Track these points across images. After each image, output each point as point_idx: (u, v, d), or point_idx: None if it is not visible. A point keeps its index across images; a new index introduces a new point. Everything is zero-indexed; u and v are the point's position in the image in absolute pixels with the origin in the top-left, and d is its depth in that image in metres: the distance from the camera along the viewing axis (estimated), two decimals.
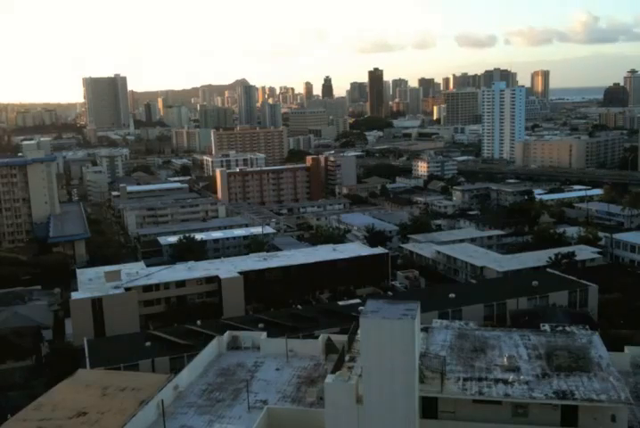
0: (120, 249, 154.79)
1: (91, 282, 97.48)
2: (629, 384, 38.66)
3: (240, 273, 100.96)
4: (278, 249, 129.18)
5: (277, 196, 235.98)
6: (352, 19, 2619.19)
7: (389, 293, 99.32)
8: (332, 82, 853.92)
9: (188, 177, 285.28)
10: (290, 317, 79.30)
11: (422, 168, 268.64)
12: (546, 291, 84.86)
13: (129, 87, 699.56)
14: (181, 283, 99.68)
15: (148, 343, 69.60)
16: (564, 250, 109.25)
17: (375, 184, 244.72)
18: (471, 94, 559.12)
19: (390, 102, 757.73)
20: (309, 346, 48.69)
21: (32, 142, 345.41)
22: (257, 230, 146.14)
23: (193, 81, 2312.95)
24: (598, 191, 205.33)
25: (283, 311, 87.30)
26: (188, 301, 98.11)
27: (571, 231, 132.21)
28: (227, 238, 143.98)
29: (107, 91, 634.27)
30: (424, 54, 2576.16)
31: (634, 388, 39.33)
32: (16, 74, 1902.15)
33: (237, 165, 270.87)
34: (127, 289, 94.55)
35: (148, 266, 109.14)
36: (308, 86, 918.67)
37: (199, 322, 79.21)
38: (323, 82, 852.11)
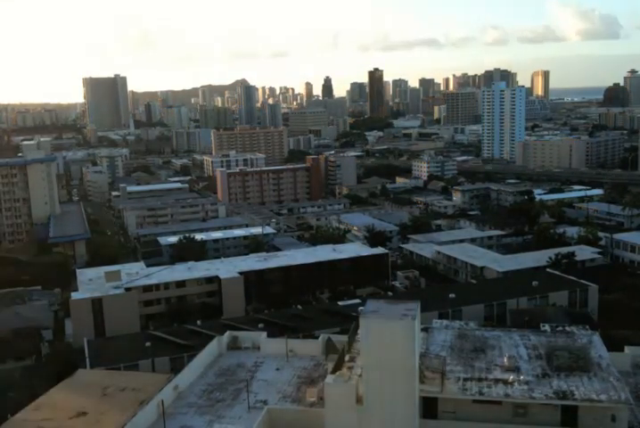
0: (120, 249, 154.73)
1: (91, 282, 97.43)
2: (629, 384, 38.63)
3: (240, 273, 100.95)
4: (278, 249, 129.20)
5: (277, 196, 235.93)
6: (352, 19, 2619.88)
7: (390, 293, 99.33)
8: (332, 82, 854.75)
9: (188, 178, 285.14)
10: (290, 317, 79.30)
11: (421, 168, 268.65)
12: (546, 291, 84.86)
13: (129, 87, 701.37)
14: (181, 284, 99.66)
15: (148, 343, 69.51)
16: (564, 250, 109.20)
17: (375, 184, 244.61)
18: (471, 95, 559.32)
19: (390, 103, 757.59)
20: (309, 346, 48.65)
21: (32, 142, 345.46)
22: (257, 230, 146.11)
23: (193, 81, 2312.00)
24: (598, 191, 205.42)
25: (283, 311, 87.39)
26: (188, 301, 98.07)
27: (571, 231, 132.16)
28: (227, 238, 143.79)
29: (107, 91, 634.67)
30: (424, 54, 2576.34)
31: (634, 388, 39.31)
32: (16, 74, 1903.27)
33: (237, 165, 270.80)
34: (127, 289, 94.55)
35: (148, 266, 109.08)
36: (308, 86, 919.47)
37: (199, 322, 79.31)
38: (323, 82, 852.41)
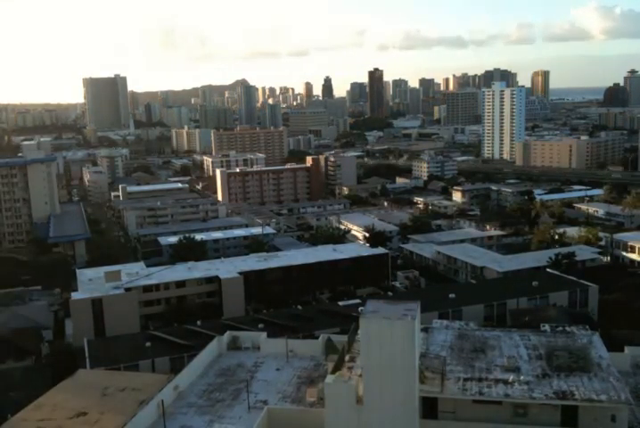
0: (120, 249, 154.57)
1: (91, 282, 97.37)
2: (629, 384, 38.67)
3: (240, 273, 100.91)
4: (278, 249, 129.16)
5: (277, 196, 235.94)
6: (353, 19, 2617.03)
7: (390, 294, 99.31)
8: (332, 82, 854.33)
9: (188, 178, 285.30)
10: (290, 318, 79.25)
11: (422, 168, 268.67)
12: (546, 291, 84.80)
13: (129, 88, 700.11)
14: (181, 284, 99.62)
15: (148, 343, 69.50)
16: (564, 250, 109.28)
17: (375, 184, 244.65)
18: (471, 95, 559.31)
19: (390, 103, 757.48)
20: (309, 346, 48.70)
21: (32, 142, 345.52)
22: (257, 230, 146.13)
23: (193, 81, 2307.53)
24: (598, 191, 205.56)
25: (283, 311, 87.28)
26: (188, 302, 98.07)
27: (571, 231, 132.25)
28: (227, 238, 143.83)
29: (107, 91, 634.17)
30: (424, 54, 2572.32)
31: (634, 388, 39.34)
32: (16, 74, 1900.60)
33: (237, 165, 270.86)
34: (128, 289, 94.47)
35: (148, 266, 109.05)
36: (308, 86, 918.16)
37: (199, 322, 79.18)
38: (323, 82, 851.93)
